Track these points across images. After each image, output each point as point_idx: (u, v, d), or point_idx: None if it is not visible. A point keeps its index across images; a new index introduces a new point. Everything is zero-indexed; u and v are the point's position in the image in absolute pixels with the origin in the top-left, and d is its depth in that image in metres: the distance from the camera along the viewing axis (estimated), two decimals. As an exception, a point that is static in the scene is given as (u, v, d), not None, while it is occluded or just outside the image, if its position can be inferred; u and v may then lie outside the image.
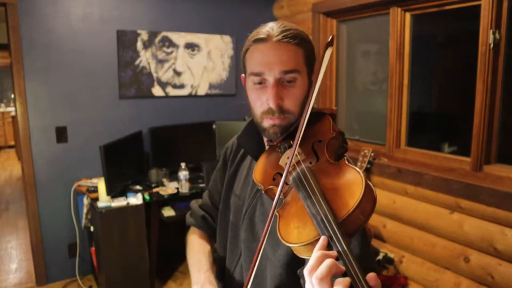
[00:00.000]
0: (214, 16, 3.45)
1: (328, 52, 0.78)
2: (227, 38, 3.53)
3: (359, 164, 2.70)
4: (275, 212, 0.77)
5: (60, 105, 2.92)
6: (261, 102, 0.89)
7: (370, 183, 0.71)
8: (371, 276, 0.59)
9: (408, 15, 2.58)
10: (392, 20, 2.63)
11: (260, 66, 0.87)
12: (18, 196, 5.40)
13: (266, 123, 0.90)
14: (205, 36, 3.43)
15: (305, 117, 0.79)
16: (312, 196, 0.72)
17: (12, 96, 8.27)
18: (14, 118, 8.15)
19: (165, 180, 3.05)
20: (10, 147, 8.77)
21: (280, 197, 0.80)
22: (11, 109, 8.95)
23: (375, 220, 2.80)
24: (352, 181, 0.71)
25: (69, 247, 3.05)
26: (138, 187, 2.97)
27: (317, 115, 0.92)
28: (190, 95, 3.46)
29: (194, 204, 1.25)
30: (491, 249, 2.08)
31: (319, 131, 0.88)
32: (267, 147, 1.01)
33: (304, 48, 0.89)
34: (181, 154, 3.20)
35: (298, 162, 0.81)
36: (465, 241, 2.22)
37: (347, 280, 0.58)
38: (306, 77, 0.91)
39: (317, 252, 0.63)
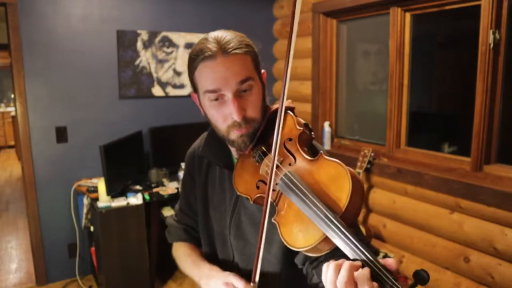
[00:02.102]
0: (214, 16, 3.45)
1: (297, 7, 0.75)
2: (227, 38, 3.53)
3: (359, 164, 2.70)
4: (273, 220, 0.81)
5: (60, 105, 2.92)
6: (223, 117, 0.89)
7: (353, 171, 0.73)
8: (388, 261, 0.63)
9: (408, 15, 2.58)
10: (392, 20, 2.63)
11: (215, 83, 0.86)
12: (18, 196, 5.40)
13: (233, 135, 0.90)
14: (205, 36, 3.43)
15: (279, 124, 0.80)
16: (305, 199, 0.74)
17: (12, 96, 8.27)
18: (14, 118, 8.15)
19: (165, 180, 3.05)
20: (10, 147, 8.78)
21: (272, 203, 0.83)
22: (11, 109, 8.95)
23: (375, 220, 2.80)
24: (337, 175, 0.74)
25: (69, 247, 3.05)
26: (138, 187, 2.97)
27: (276, 114, 0.93)
28: (190, 95, 3.45)
29: (170, 220, 1.23)
30: (491, 249, 2.08)
31: (285, 130, 0.90)
32: (235, 155, 1.02)
33: (250, 54, 0.90)
34: (181, 154, 3.15)
35: (277, 167, 0.83)
36: (465, 241, 2.22)
37: (366, 272, 0.62)
38: (259, 81, 0.92)
39: (330, 265, 0.67)
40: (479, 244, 2.14)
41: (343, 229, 0.66)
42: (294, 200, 0.77)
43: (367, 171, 2.75)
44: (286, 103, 0.95)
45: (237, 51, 0.86)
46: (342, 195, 0.71)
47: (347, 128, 3.27)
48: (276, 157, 0.81)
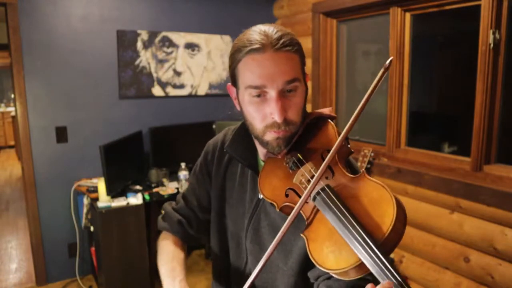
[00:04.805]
0: (214, 16, 3.45)
1: (383, 74, 0.75)
2: (227, 38, 3.53)
3: (359, 164, 2.70)
4: (302, 234, 0.76)
5: (60, 105, 2.92)
6: (262, 115, 0.84)
7: (397, 197, 0.69)
8: None
9: (408, 15, 2.58)
10: (392, 20, 2.63)
11: (261, 79, 0.80)
12: (18, 196, 5.40)
13: (269, 136, 0.85)
14: (205, 36, 3.43)
15: (340, 142, 0.76)
16: (344, 220, 0.69)
17: (12, 96, 8.27)
18: (14, 118, 8.15)
19: (165, 180, 3.05)
20: (10, 147, 8.77)
21: (304, 217, 0.79)
22: (11, 109, 8.95)
23: (375, 220, 2.80)
24: (381, 198, 0.69)
25: (69, 247, 3.05)
26: (138, 187, 2.97)
27: (317, 121, 0.90)
28: (190, 95, 3.45)
29: (168, 207, 1.16)
30: (491, 249, 2.08)
31: (324, 139, 0.85)
32: (261, 156, 0.98)
33: (299, 54, 0.85)
34: (181, 154, 3.19)
35: (313, 177, 0.79)
36: (465, 241, 2.22)
37: None
38: (303, 83, 0.87)
39: None
40: (479, 244, 2.14)
41: (383, 259, 0.63)
42: (329, 218, 0.72)
43: (367, 171, 2.75)
44: (327, 111, 0.91)
45: (288, 48, 0.81)
46: (385, 221, 0.66)
47: (347, 128, 3.27)
48: (320, 174, 0.75)
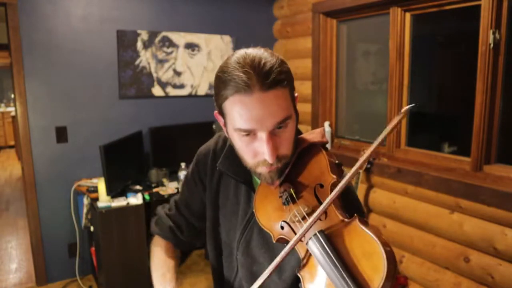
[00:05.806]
0: (214, 16, 3.45)
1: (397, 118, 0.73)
2: (227, 38, 3.53)
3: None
4: (298, 273, 0.77)
5: (60, 105, 2.92)
6: (253, 153, 0.82)
7: (387, 247, 0.69)
8: None
9: (408, 15, 2.58)
10: (392, 20, 2.63)
11: (250, 122, 0.77)
12: (18, 196, 5.40)
13: (261, 170, 0.83)
14: (205, 36, 3.43)
15: (339, 190, 0.74)
16: (335, 271, 0.70)
17: (12, 96, 8.27)
18: (14, 118, 8.15)
19: (165, 180, 3.05)
20: (10, 147, 8.77)
21: (299, 256, 0.79)
22: (11, 109, 8.95)
23: (375, 220, 2.80)
24: (371, 251, 0.69)
25: (69, 247, 3.05)
26: (138, 187, 2.97)
27: (308, 149, 0.87)
28: (190, 95, 3.46)
29: (161, 211, 1.16)
30: (491, 249, 2.08)
31: (317, 171, 0.83)
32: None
33: (289, 85, 0.80)
34: (181, 154, 3.19)
35: (304, 218, 0.79)
36: (465, 241, 2.22)
37: None
38: (294, 115, 0.84)
39: None
40: (479, 244, 2.14)
41: None
42: (321, 266, 0.72)
43: (367, 171, 2.75)
44: (319, 136, 0.89)
45: (276, 84, 0.76)
46: (375, 277, 0.66)
47: (347, 128, 3.27)
48: (301, 203, 0.76)
